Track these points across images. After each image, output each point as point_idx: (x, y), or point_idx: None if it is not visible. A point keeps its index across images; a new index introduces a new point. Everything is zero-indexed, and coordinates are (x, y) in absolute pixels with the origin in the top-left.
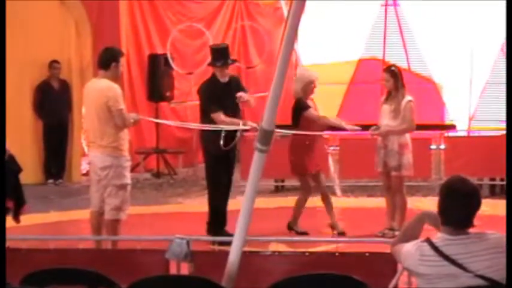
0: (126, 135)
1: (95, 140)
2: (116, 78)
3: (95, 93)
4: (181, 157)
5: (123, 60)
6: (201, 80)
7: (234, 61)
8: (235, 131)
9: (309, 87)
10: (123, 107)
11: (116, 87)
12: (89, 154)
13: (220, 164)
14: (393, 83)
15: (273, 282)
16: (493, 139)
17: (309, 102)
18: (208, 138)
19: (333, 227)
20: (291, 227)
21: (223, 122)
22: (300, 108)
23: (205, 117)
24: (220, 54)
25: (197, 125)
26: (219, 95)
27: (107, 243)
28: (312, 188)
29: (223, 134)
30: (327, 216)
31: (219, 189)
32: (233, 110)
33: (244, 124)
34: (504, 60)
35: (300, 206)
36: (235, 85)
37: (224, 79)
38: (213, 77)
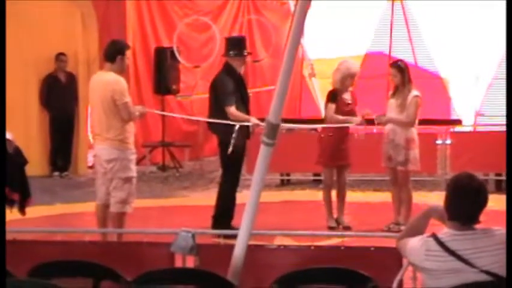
0: (132, 128)
1: (101, 132)
2: (122, 71)
3: (101, 86)
4: (187, 150)
5: (129, 53)
6: (208, 74)
7: (249, 53)
8: (248, 126)
9: (347, 79)
10: (129, 100)
11: (121, 80)
12: (94, 147)
13: (237, 158)
14: (400, 78)
15: (278, 276)
16: (499, 134)
17: (347, 95)
18: (227, 131)
19: (338, 221)
20: (338, 222)
21: (234, 116)
22: (327, 100)
23: (219, 110)
24: (238, 45)
25: (205, 119)
26: (236, 86)
27: (113, 236)
28: (334, 182)
29: (236, 128)
30: (334, 210)
31: (235, 183)
32: (245, 105)
33: (248, 120)
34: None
35: (326, 201)
36: (243, 76)
37: (241, 69)
38: (229, 68)
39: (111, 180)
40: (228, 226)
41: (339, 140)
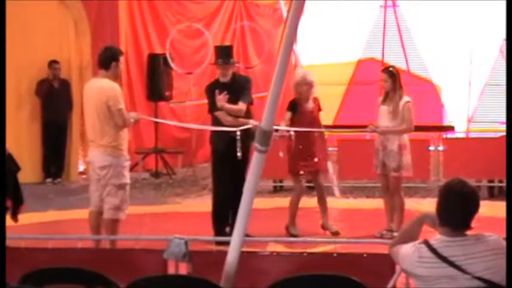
0: (125, 134)
1: (94, 139)
2: (116, 78)
3: (96, 93)
4: (180, 157)
5: (122, 59)
6: (200, 80)
7: (236, 62)
8: (244, 132)
9: (300, 87)
10: (123, 107)
11: (116, 86)
12: (88, 153)
13: (225, 163)
14: (391, 83)
15: (271, 282)
16: (491, 141)
17: (309, 104)
18: (215, 136)
19: (324, 227)
20: (287, 228)
21: (227, 122)
22: (286, 108)
23: (212, 116)
24: (221, 54)
25: (198, 126)
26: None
27: (106, 243)
28: (306, 189)
29: (238, 133)
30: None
31: (221, 188)
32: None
33: (246, 124)
34: (503, 61)
35: (292, 206)
36: (237, 85)
37: (224, 79)
38: (217, 77)
39: (105, 186)
40: (220, 232)
41: (304, 148)
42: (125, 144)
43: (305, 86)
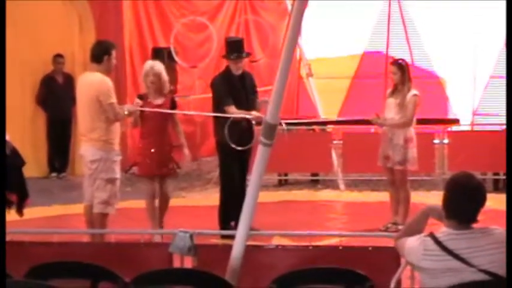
0: (117, 129)
1: (85, 133)
2: (109, 71)
3: (86, 87)
4: None
5: (115, 53)
6: (205, 74)
7: (248, 54)
8: (250, 127)
9: (145, 79)
10: (114, 101)
11: (107, 80)
12: (80, 147)
13: (233, 158)
14: (400, 76)
15: (276, 276)
16: (496, 134)
17: (158, 98)
18: (222, 132)
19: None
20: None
21: (237, 118)
22: None
23: (218, 111)
24: (234, 47)
25: (206, 113)
26: (232, 88)
27: (104, 237)
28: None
29: (247, 118)
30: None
31: (230, 183)
32: (246, 105)
33: (249, 115)
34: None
35: (149, 212)
36: (249, 80)
37: (238, 72)
38: (227, 70)
39: (95, 180)
40: (225, 226)
41: (153, 148)
42: (116, 139)
43: (149, 76)
